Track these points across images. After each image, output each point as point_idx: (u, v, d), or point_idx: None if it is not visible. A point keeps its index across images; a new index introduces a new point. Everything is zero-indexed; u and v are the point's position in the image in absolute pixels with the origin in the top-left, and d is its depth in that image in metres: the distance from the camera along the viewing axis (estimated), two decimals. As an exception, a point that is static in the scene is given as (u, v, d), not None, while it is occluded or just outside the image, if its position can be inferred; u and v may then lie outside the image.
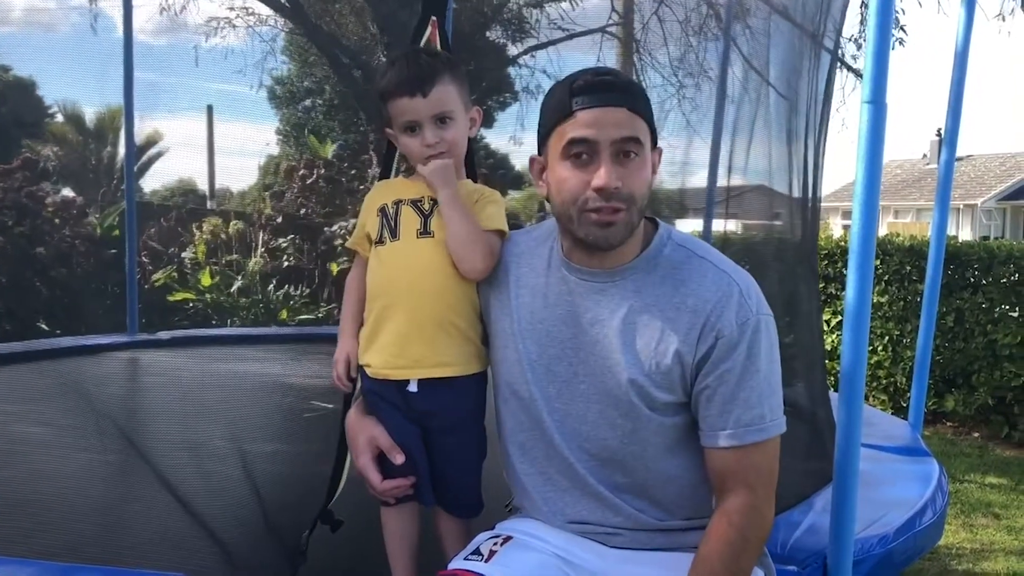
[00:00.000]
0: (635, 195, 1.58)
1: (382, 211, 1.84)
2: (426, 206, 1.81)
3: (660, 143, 1.68)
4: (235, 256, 8.79)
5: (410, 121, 1.80)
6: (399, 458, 1.79)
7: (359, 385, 1.89)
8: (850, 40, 9.53)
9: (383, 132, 1.92)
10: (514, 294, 1.74)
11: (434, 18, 2.18)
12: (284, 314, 8.02)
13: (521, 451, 1.75)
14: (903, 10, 9.61)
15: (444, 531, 1.89)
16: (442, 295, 1.77)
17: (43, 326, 7.13)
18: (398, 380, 1.80)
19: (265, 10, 8.35)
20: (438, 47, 2.18)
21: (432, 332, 1.77)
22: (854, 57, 9.89)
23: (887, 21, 1.89)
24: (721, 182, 4.32)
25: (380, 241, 1.82)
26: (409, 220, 1.81)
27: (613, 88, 1.58)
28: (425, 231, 1.79)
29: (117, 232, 7.94)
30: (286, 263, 8.81)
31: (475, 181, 2.08)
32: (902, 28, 9.87)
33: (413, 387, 1.79)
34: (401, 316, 1.77)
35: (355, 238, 1.91)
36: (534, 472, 1.74)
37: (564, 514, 1.72)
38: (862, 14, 8.39)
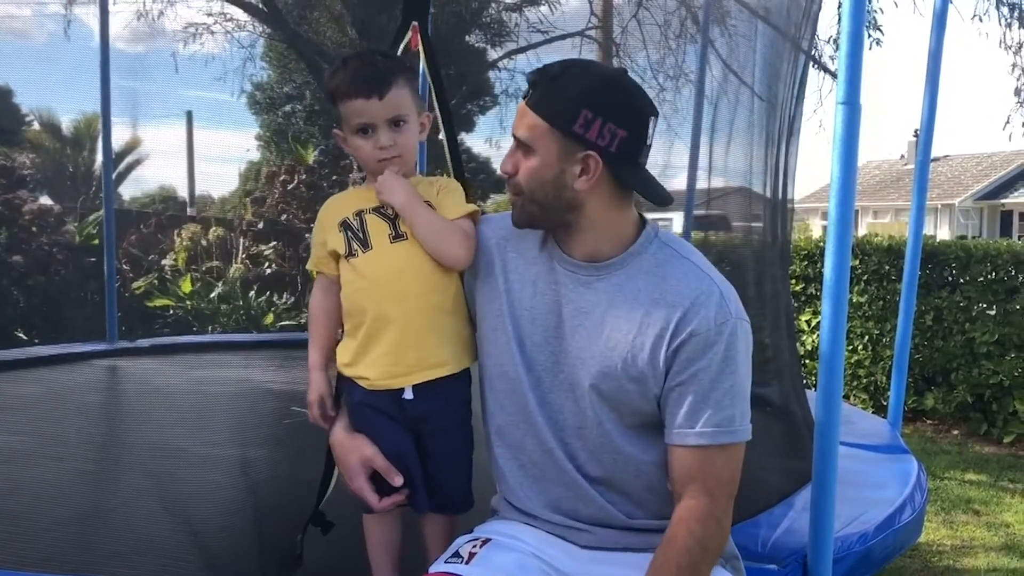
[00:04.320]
0: (520, 185, 1.66)
1: (345, 225, 1.80)
2: (391, 211, 1.79)
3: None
4: (216, 263, 8.75)
5: (363, 123, 1.77)
6: (398, 480, 1.76)
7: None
8: (827, 41, 9.59)
9: (332, 133, 1.89)
10: (502, 279, 1.75)
11: (415, 23, 2.17)
12: (270, 319, 7.99)
13: (499, 434, 1.76)
14: (881, 10, 9.68)
15: (428, 533, 1.87)
16: (428, 295, 1.76)
17: (20, 335, 7.06)
18: (392, 389, 1.77)
19: (244, 16, 8.33)
20: (420, 52, 2.17)
21: (424, 334, 1.76)
22: (832, 58, 9.96)
23: (860, 23, 1.91)
24: (701, 184, 4.35)
25: (351, 254, 1.78)
26: (377, 227, 1.78)
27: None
28: (397, 235, 1.77)
29: (96, 240, 7.89)
30: (268, 269, 8.78)
31: (463, 183, 2.05)
32: (879, 28, 9.93)
33: (409, 394, 1.77)
34: (393, 324, 1.74)
35: (316, 259, 1.85)
36: (510, 456, 1.75)
37: (538, 499, 1.73)
38: (840, 14, 8.45)
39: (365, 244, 1.78)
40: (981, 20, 9.72)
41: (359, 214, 1.80)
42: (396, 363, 1.75)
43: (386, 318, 1.74)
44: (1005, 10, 9.65)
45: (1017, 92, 10.22)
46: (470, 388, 1.83)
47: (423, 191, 1.81)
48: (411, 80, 1.80)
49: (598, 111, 1.58)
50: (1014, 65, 10.05)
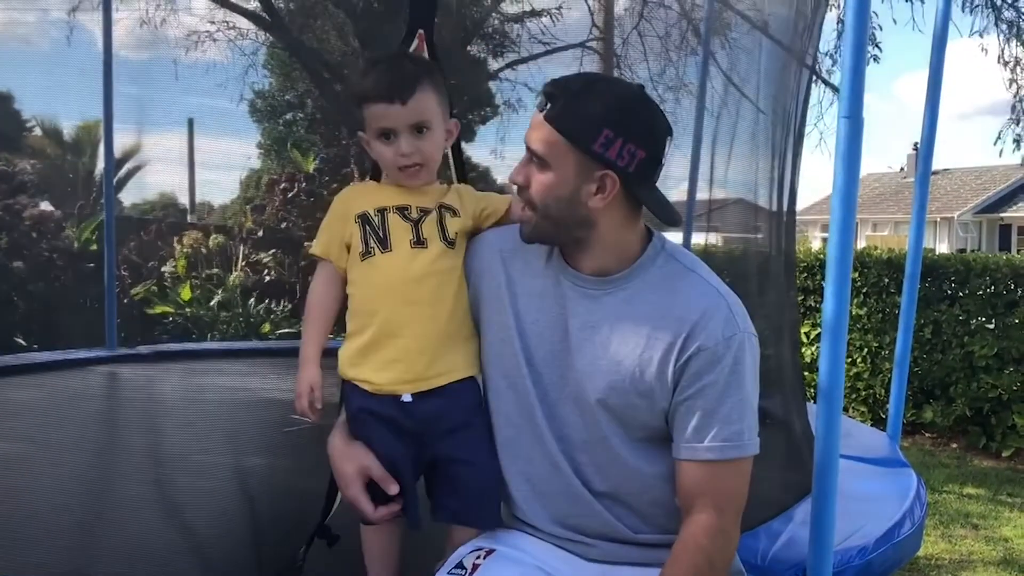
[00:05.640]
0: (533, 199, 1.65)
1: (364, 219, 1.76)
2: (414, 214, 1.76)
3: None
4: (216, 270, 8.74)
5: (386, 128, 1.74)
6: (393, 488, 1.73)
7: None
8: (826, 55, 9.61)
9: (357, 136, 1.85)
10: (507, 292, 1.74)
11: (421, 31, 2.16)
12: (267, 327, 7.98)
13: (506, 447, 1.75)
14: (880, 27, 9.65)
15: (456, 542, 1.80)
16: (443, 304, 1.74)
17: (20, 341, 7.05)
18: (395, 394, 1.74)
19: (246, 24, 8.33)
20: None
21: (436, 342, 1.74)
22: (830, 72, 9.98)
23: (862, 37, 1.91)
24: (702, 195, 4.36)
25: (368, 252, 1.74)
26: (399, 229, 1.75)
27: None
28: (418, 241, 1.75)
29: (95, 246, 7.88)
30: (267, 277, 8.78)
31: None
32: (877, 45, 9.94)
33: (407, 397, 1.73)
34: (405, 331, 1.72)
35: (326, 246, 1.79)
36: (516, 470, 1.75)
37: (543, 513, 1.72)
38: (838, 30, 8.49)
39: (384, 244, 1.74)
40: (981, 36, 9.72)
41: (381, 212, 1.76)
42: (407, 370, 1.73)
43: (398, 324, 1.72)
44: (1004, 26, 9.66)
45: (1012, 108, 10.25)
46: (479, 391, 1.79)
47: (445, 198, 1.81)
48: (438, 86, 1.77)
49: (619, 131, 1.57)
50: (1012, 80, 10.07)
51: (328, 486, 1.96)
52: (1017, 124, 10.29)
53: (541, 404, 1.70)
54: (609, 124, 1.57)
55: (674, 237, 4.68)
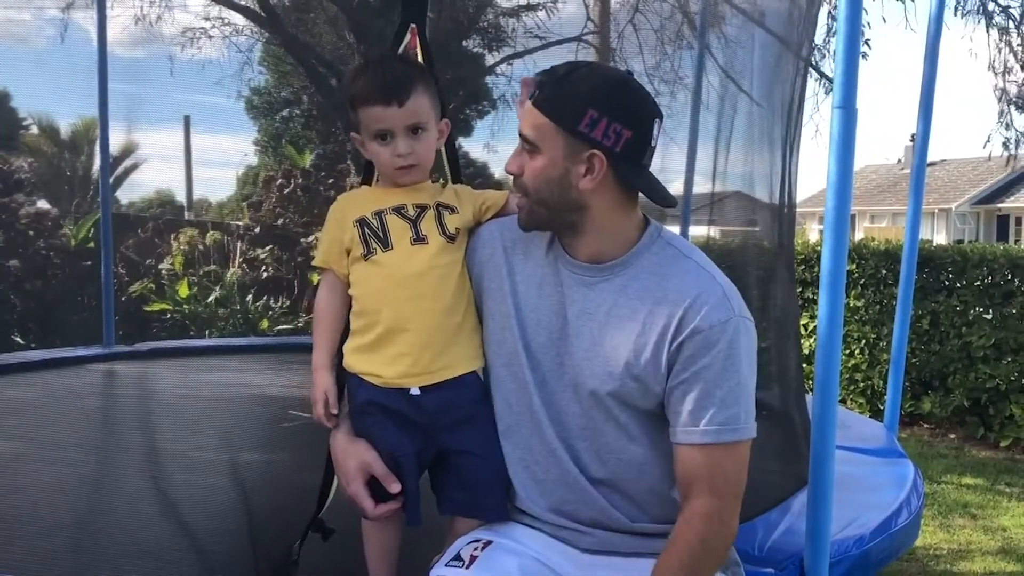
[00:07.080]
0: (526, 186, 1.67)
1: (362, 223, 1.78)
2: (411, 212, 1.78)
3: None
4: (213, 267, 8.74)
5: (382, 130, 1.76)
6: (395, 487, 1.73)
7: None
8: (819, 48, 9.57)
9: (351, 137, 1.87)
10: (508, 282, 1.76)
11: (413, 25, 2.16)
12: (265, 323, 7.99)
13: (506, 435, 1.76)
14: (869, 24, 9.55)
15: (459, 532, 1.81)
16: (445, 299, 1.76)
17: (17, 339, 7.06)
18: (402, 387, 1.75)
19: (241, 20, 8.34)
20: (419, 54, 2.16)
21: (441, 337, 1.75)
22: (820, 70, 9.94)
23: (856, 27, 1.91)
24: (699, 189, 4.36)
25: (370, 253, 1.77)
26: (398, 228, 1.77)
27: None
28: (418, 238, 1.77)
29: (92, 244, 7.88)
30: (265, 274, 8.78)
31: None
32: (866, 42, 9.89)
33: (415, 390, 1.75)
34: (410, 326, 1.74)
35: (328, 255, 1.82)
36: (516, 457, 1.75)
37: (540, 500, 1.73)
38: (829, 25, 8.46)
39: (385, 244, 1.76)
40: (972, 40, 9.70)
41: (379, 214, 1.79)
42: (414, 364, 1.74)
43: (403, 320, 1.74)
44: (995, 32, 9.61)
45: (1000, 113, 10.28)
46: (484, 384, 1.81)
47: (442, 196, 1.83)
48: (430, 86, 1.80)
49: (604, 111, 1.59)
50: (1002, 88, 10.05)
51: (322, 480, 1.96)
52: (1007, 129, 10.30)
53: (539, 391, 1.71)
54: (593, 104, 1.59)
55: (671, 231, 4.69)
